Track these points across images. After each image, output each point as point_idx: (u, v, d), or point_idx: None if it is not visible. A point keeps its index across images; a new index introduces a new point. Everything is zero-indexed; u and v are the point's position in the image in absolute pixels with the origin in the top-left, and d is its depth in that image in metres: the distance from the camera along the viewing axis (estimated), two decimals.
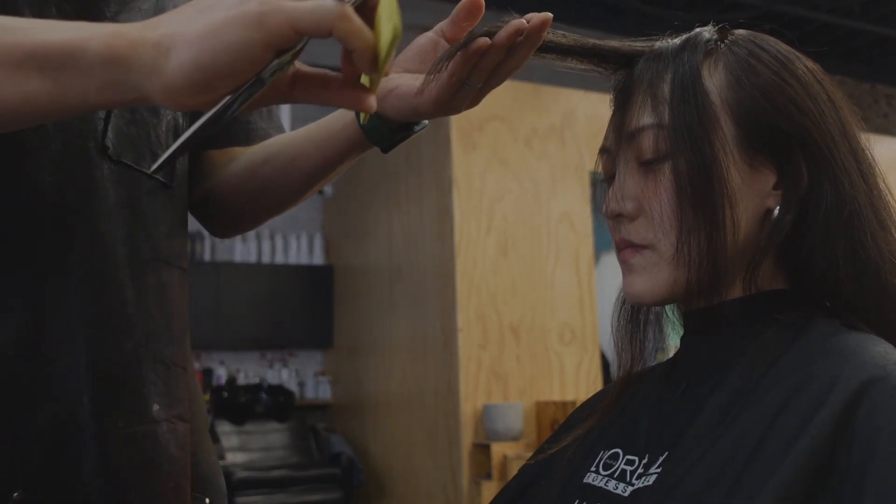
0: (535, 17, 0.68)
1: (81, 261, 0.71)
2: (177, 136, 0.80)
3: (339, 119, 0.84)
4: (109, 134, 0.73)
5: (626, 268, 0.71)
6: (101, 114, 0.73)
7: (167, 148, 0.78)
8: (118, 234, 0.74)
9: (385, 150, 0.82)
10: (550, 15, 0.68)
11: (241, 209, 0.93)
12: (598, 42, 0.73)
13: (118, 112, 0.74)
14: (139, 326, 0.75)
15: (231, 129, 0.92)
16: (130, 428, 0.72)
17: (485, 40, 0.67)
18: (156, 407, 0.75)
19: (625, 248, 0.71)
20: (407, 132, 0.80)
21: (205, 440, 0.88)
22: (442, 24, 0.74)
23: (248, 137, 0.95)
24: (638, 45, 0.74)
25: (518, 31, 0.67)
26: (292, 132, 0.93)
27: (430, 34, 0.75)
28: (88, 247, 0.72)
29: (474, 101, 0.75)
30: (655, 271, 0.69)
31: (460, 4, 0.71)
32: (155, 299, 0.77)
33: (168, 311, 0.79)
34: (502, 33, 0.67)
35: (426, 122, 0.81)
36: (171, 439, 0.76)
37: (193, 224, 0.97)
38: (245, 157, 0.90)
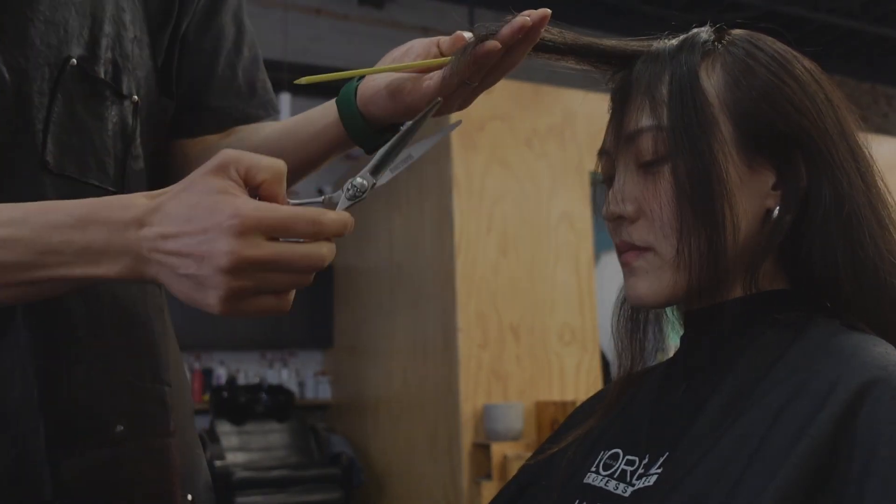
0: (534, 14, 0.67)
1: None
2: (125, 139, 0.76)
3: (321, 118, 0.82)
4: (49, 146, 0.69)
5: (629, 271, 0.71)
6: (40, 125, 0.69)
7: (114, 154, 0.75)
8: None
9: (369, 151, 0.81)
10: (548, 11, 0.68)
11: None
12: (593, 40, 0.73)
13: (58, 120, 0.70)
14: (92, 350, 0.72)
15: (202, 117, 0.88)
16: (87, 454, 0.70)
17: (495, 44, 0.67)
18: (119, 428, 0.73)
19: (627, 250, 0.71)
20: (393, 133, 0.80)
21: (186, 433, 0.85)
22: (441, 39, 0.72)
23: (219, 124, 0.89)
24: (635, 45, 0.74)
25: (522, 29, 0.67)
26: (273, 124, 0.89)
27: (424, 40, 0.74)
28: None
29: (467, 101, 0.75)
30: (658, 274, 0.69)
31: (478, 50, 0.68)
32: (109, 318, 0.74)
33: (127, 328, 0.76)
34: (507, 30, 0.67)
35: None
36: (141, 459, 0.74)
37: None
38: (221, 148, 0.88)
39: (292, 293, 0.60)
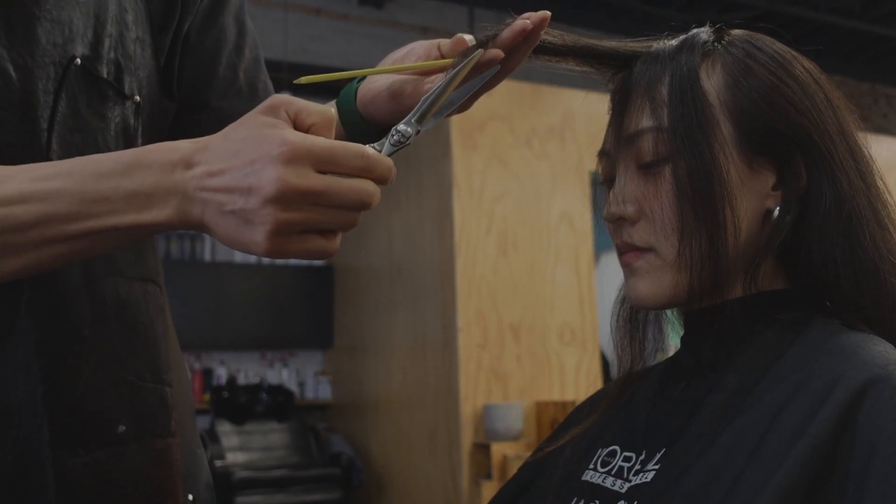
0: (534, 16, 0.68)
1: (33, 284, 0.68)
2: (127, 139, 0.76)
3: None
4: (54, 145, 0.69)
5: (630, 271, 0.71)
6: (45, 124, 0.69)
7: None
8: None
9: None
10: (548, 13, 0.68)
11: None
12: (593, 42, 0.73)
13: (62, 120, 0.70)
14: (97, 348, 0.72)
15: (203, 117, 0.88)
16: (91, 453, 0.70)
17: (497, 52, 0.67)
18: (122, 428, 0.72)
19: (627, 251, 0.71)
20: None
21: (187, 432, 0.85)
22: (442, 42, 0.73)
23: (220, 124, 0.86)
24: (634, 46, 0.74)
25: (523, 32, 0.67)
26: None
27: (426, 42, 0.74)
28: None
29: (468, 104, 0.75)
30: (658, 275, 0.69)
31: (480, 60, 0.69)
32: (114, 316, 0.74)
33: (130, 327, 0.76)
34: (507, 33, 0.67)
35: None
36: (143, 459, 0.74)
37: None
38: None
39: (339, 236, 0.58)
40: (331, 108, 0.59)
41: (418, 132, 0.63)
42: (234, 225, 0.55)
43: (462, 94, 0.67)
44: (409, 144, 0.62)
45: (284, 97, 0.58)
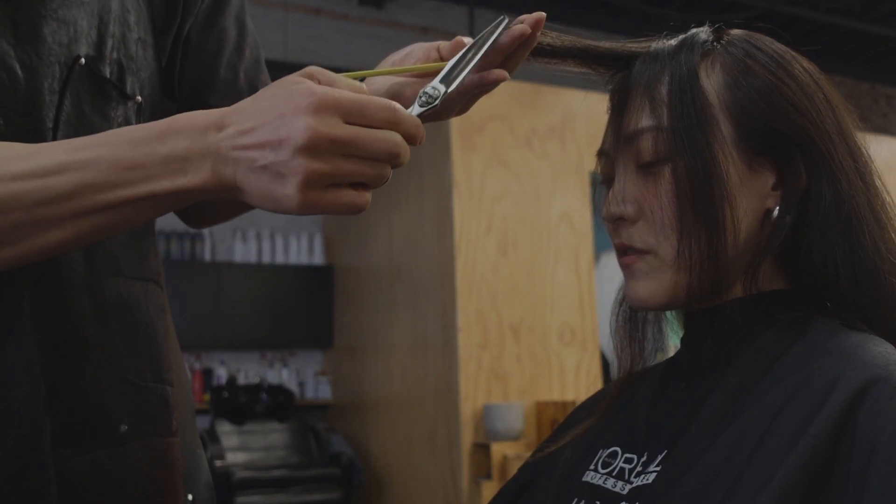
0: (529, 18, 0.68)
1: (36, 284, 0.68)
2: None
3: None
4: None
5: (629, 273, 0.71)
6: (50, 123, 0.69)
7: None
8: (74, 253, 0.71)
9: None
10: (543, 14, 0.68)
11: (214, 202, 0.90)
12: (592, 43, 0.73)
13: (66, 119, 0.70)
14: (99, 348, 0.72)
15: None
16: (93, 453, 0.70)
17: (502, 73, 0.68)
18: (123, 427, 0.73)
19: (625, 252, 0.71)
20: None
21: (188, 432, 0.85)
22: (441, 44, 0.73)
23: None
24: (634, 46, 0.74)
25: (522, 37, 0.67)
26: None
27: (425, 45, 0.75)
28: (42, 269, 0.68)
29: (464, 108, 0.75)
30: (657, 276, 0.69)
31: (484, 79, 0.70)
32: (115, 317, 0.74)
33: (131, 327, 0.76)
34: (505, 38, 0.67)
35: None
36: (144, 458, 0.74)
37: None
38: None
39: (369, 194, 0.58)
40: (360, 83, 0.61)
41: (445, 93, 0.64)
42: (266, 180, 0.55)
43: (479, 53, 0.68)
44: (437, 106, 0.63)
45: (318, 68, 0.60)
